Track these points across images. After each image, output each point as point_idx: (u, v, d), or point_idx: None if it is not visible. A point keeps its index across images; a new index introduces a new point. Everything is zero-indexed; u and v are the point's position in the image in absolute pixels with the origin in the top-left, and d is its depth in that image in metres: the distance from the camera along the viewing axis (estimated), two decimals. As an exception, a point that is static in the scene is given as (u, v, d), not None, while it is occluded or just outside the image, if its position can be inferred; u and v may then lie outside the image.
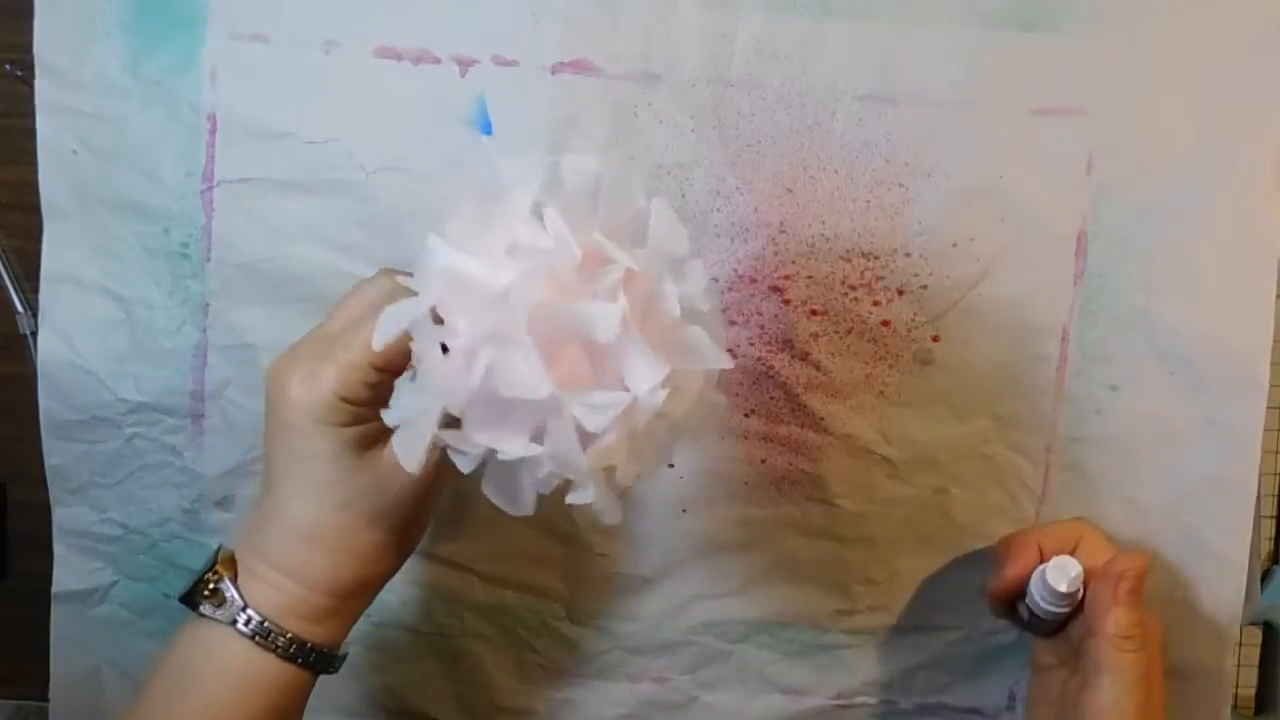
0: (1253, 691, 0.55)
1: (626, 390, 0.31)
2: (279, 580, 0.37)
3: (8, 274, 0.52)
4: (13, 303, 0.52)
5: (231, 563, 0.38)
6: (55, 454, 0.50)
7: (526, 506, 0.34)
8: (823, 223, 0.48)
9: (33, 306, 0.51)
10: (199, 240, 0.49)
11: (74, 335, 0.49)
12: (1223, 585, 0.50)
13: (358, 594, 0.40)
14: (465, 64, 0.47)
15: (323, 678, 0.51)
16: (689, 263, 0.34)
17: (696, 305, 0.34)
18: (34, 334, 0.51)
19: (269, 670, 0.37)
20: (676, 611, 0.52)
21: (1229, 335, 0.48)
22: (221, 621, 0.37)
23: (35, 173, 0.48)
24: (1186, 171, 0.47)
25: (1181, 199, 0.48)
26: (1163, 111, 0.47)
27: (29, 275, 0.51)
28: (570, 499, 0.33)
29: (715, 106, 0.47)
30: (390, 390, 0.37)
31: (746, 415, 0.50)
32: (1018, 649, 0.52)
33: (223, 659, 0.37)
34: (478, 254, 0.32)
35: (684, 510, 0.51)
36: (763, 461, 0.50)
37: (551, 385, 0.31)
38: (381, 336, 0.33)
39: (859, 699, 0.53)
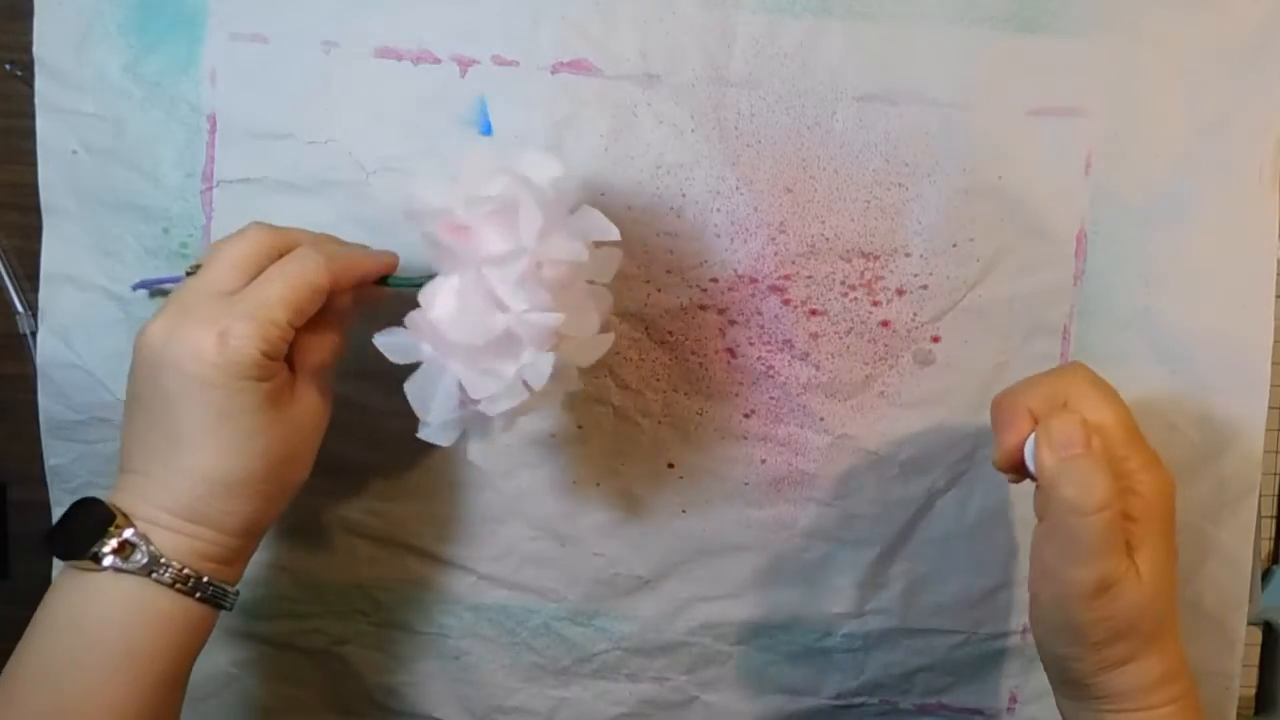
0: (1253, 691, 0.55)
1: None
2: (193, 530, 0.38)
3: (8, 274, 0.52)
4: (13, 303, 0.52)
5: (124, 517, 0.38)
6: (55, 454, 0.50)
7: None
8: (823, 223, 0.48)
9: (33, 306, 0.51)
10: (199, 240, 0.49)
11: (73, 335, 0.49)
12: (1227, 584, 0.50)
13: (262, 532, 0.41)
14: (465, 64, 0.47)
15: (321, 675, 0.52)
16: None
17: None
18: (34, 334, 0.51)
19: (186, 614, 0.38)
20: (676, 612, 0.52)
21: (1229, 334, 0.48)
22: (131, 572, 0.37)
23: (35, 173, 0.48)
24: (1185, 171, 0.48)
25: (1181, 199, 0.48)
26: (1161, 112, 0.47)
27: (29, 275, 0.51)
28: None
29: (715, 106, 0.47)
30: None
31: (746, 415, 0.50)
32: (1018, 651, 0.52)
33: (137, 608, 0.38)
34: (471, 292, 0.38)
35: (683, 510, 0.51)
36: (762, 462, 0.50)
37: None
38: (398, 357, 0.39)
39: (859, 699, 0.53)
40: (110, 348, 0.49)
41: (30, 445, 0.50)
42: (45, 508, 0.51)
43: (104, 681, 0.37)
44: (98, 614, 0.37)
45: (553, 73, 0.47)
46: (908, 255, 0.48)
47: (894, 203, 0.48)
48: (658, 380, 0.50)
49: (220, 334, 0.37)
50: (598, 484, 0.51)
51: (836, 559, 0.51)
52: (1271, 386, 0.49)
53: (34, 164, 0.48)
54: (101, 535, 0.37)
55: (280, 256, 0.40)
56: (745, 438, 0.50)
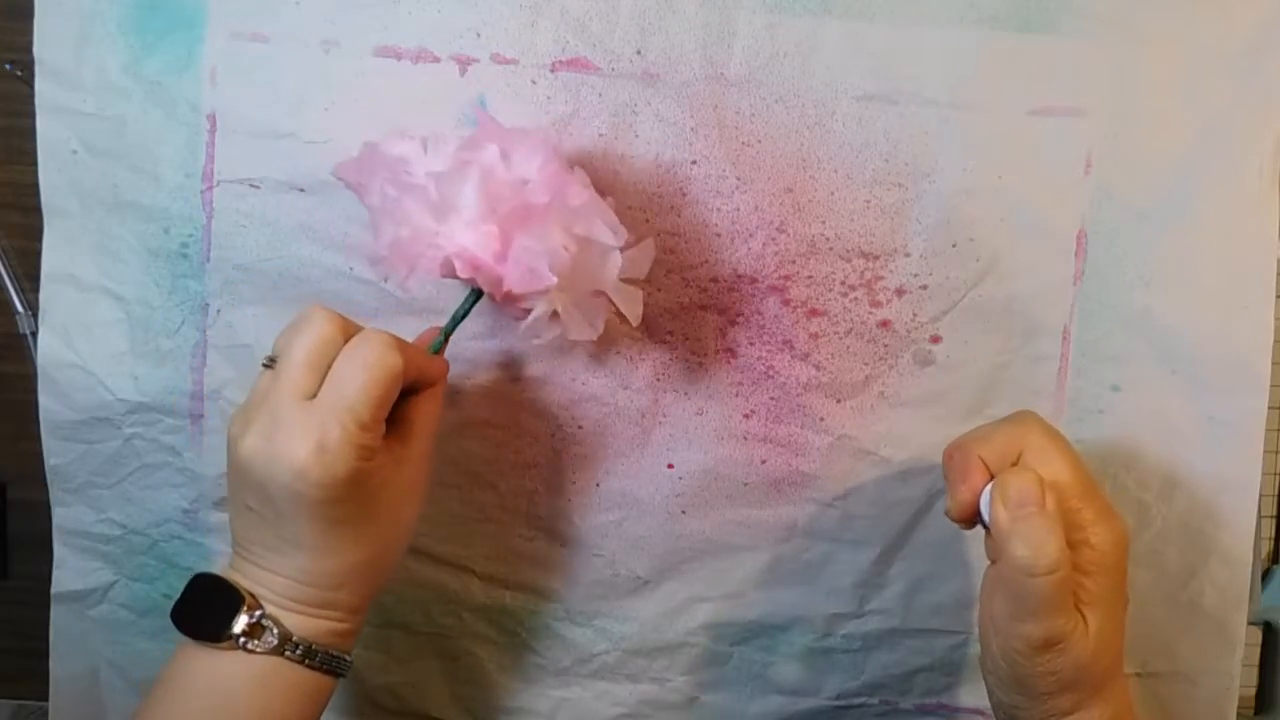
0: (1253, 691, 0.55)
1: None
2: (322, 613, 0.40)
3: (8, 274, 0.52)
4: (13, 303, 0.52)
5: (253, 599, 0.39)
6: (55, 454, 0.50)
7: None
8: (823, 223, 0.48)
9: (33, 306, 0.51)
10: (199, 240, 0.49)
11: (74, 335, 0.49)
12: (1227, 584, 0.50)
13: (374, 598, 0.43)
14: (464, 63, 0.47)
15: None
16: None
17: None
18: (34, 334, 0.51)
19: (314, 683, 0.40)
20: (675, 613, 0.52)
21: (1230, 334, 0.48)
22: (261, 652, 0.39)
23: (35, 173, 0.48)
24: (1185, 171, 0.48)
25: (1181, 198, 0.48)
26: (1161, 111, 0.47)
27: (29, 275, 0.51)
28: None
29: (715, 106, 0.47)
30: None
31: (746, 415, 0.50)
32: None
33: (267, 680, 0.39)
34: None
35: (683, 511, 0.51)
36: (762, 462, 0.50)
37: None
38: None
39: (859, 700, 0.53)
40: (110, 348, 0.50)
41: (30, 445, 0.50)
42: (45, 508, 0.51)
43: None
44: (229, 686, 0.39)
45: (552, 71, 0.47)
46: (908, 255, 0.48)
47: (894, 203, 0.48)
48: (658, 380, 0.50)
49: (317, 447, 0.37)
50: (598, 484, 0.51)
51: (836, 559, 0.51)
52: (1271, 386, 0.49)
53: (34, 164, 0.48)
54: (232, 617, 0.39)
55: (346, 339, 0.39)
56: (745, 438, 0.50)
